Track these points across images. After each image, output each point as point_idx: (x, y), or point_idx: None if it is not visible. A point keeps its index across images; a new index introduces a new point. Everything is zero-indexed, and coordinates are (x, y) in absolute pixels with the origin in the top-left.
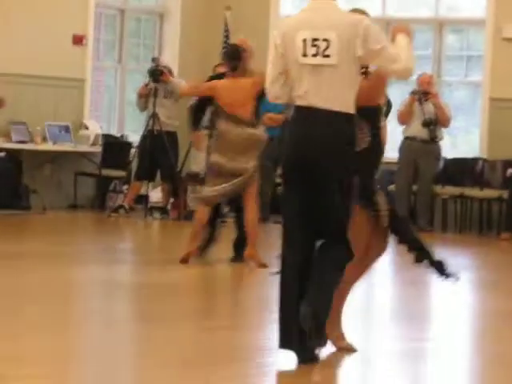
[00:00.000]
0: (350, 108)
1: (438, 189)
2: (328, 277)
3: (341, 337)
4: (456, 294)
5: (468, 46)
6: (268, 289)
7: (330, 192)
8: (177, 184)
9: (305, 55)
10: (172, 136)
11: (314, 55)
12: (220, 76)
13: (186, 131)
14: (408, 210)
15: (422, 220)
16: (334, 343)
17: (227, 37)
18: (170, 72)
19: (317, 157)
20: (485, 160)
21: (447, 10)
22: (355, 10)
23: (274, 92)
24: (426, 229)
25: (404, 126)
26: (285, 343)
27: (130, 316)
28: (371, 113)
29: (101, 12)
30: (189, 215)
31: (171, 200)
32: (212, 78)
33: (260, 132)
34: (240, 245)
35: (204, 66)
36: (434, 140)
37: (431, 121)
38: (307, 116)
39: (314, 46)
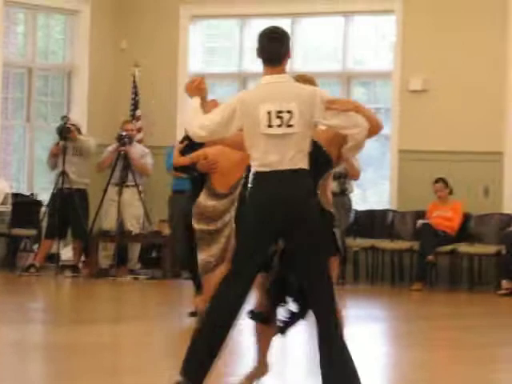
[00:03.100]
0: (306, 165)
1: (350, 241)
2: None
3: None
4: (369, 345)
5: (375, 98)
6: (177, 346)
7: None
8: (88, 241)
9: (270, 126)
10: (82, 193)
11: (279, 126)
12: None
13: (96, 188)
14: None
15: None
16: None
17: (136, 93)
18: (79, 130)
19: (291, 210)
20: (395, 212)
21: (354, 64)
22: (302, 77)
23: (209, 133)
24: (338, 281)
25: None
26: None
27: (41, 377)
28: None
29: (8, 71)
30: (101, 273)
31: (82, 258)
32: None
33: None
34: None
35: (113, 123)
36: (344, 192)
37: (341, 174)
38: (272, 178)
39: (279, 117)
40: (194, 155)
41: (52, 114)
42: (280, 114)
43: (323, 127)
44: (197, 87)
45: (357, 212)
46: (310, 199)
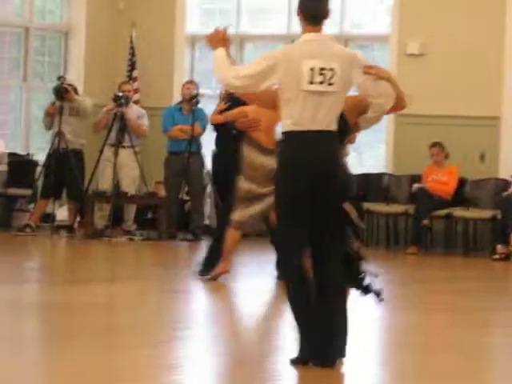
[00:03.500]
0: (336, 127)
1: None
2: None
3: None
4: (364, 308)
5: (373, 62)
6: (170, 307)
7: (337, 201)
8: (83, 202)
9: (311, 82)
10: (78, 154)
11: (321, 82)
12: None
13: (92, 149)
14: None
15: None
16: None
17: (132, 54)
18: (75, 90)
19: (327, 172)
20: (390, 175)
21: (352, 27)
22: None
23: (245, 84)
24: None
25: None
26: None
27: (37, 335)
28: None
29: (5, 30)
30: (96, 233)
31: (78, 218)
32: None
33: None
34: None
35: (109, 84)
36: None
37: None
38: (305, 138)
39: (321, 74)
40: (233, 112)
41: (49, 74)
42: (323, 72)
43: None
44: (222, 38)
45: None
46: (340, 160)
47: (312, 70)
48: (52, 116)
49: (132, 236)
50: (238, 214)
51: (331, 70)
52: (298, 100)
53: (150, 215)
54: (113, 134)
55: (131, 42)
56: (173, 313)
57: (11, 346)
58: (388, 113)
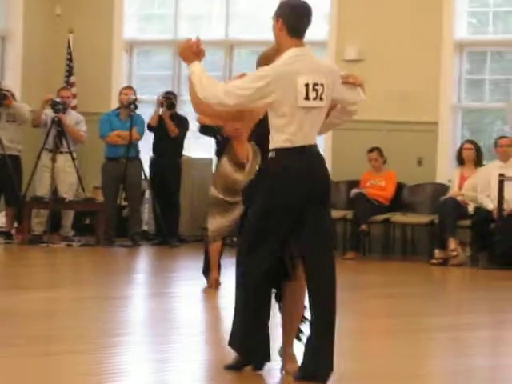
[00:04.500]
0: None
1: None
2: None
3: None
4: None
5: None
6: (109, 313)
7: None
8: (21, 208)
9: (307, 98)
10: (15, 160)
11: (315, 98)
12: None
13: (30, 155)
14: None
15: None
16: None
17: (70, 60)
18: (13, 96)
19: (324, 188)
20: None
21: None
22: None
23: (239, 102)
24: None
25: None
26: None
27: None
28: None
29: None
30: (34, 239)
31: (15, 224)
32: None
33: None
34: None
35: (47, 89)
36: None
37: None
38: (301, 155)
39: (315, 90)
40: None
41: None
42: (316, 87)
43: None
44: (196, 51)
45: None
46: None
47: (307, 85)
48: None
49: (70, 242)
50: (213, 226)
51: (322, 85)
52: (295, 116)
53: (87, 221)
54: (50, 140)
55: (69, 47)
56: (112, 319)
57: None
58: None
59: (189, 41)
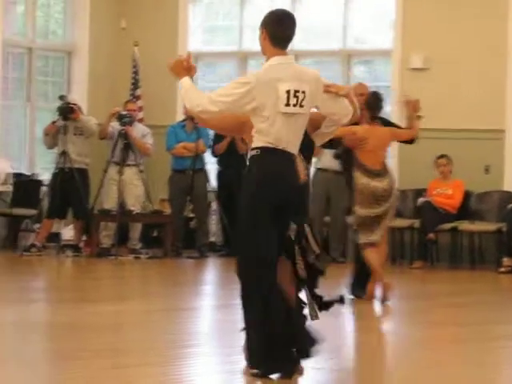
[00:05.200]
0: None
1: (350, 219)
2: None
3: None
4: (372, 323)
5: (376, 77)
6: (177, 324)
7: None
8: (89, 221)
9: (287, 105)
10: (83, 173)
11: (294, 105)
12: None
13: (97, 168)
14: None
15: (335, 251)
16: None
17: (136, 73)
18: (80, 109)
19: (293, 194)
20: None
21: (355, 42)
22: None
23: (222, 109)
24: (339, 260)
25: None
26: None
27: (43, 356)
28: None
29: (8, 51)
30: (102, 252)
31: (84, 237)
32: None
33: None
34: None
35: (113, 103)
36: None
37: (339, 154)
38: (280, 156)
39: (295, 96)
40: (341, 130)
41: (52, 94)
42: (297, 94)
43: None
44: (186, 67)
45: None
46: (306, 187)
47: (288, 92)
48: (52, 135)
49: (138, 254)
50: (364, 238)
51: (303, 92)
52: (276, 120)
53: (155, 233)
54: (117, 153)
55: (134, 60)
56: (180, 330)
57: (18, 365)
58: (343, 126)
59: (180, 58)
